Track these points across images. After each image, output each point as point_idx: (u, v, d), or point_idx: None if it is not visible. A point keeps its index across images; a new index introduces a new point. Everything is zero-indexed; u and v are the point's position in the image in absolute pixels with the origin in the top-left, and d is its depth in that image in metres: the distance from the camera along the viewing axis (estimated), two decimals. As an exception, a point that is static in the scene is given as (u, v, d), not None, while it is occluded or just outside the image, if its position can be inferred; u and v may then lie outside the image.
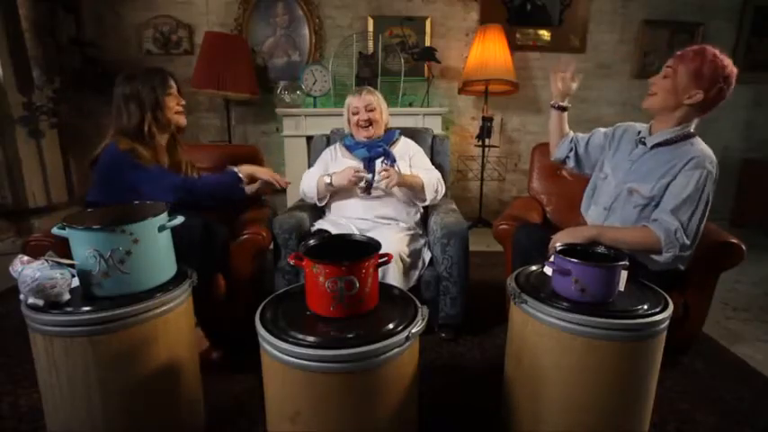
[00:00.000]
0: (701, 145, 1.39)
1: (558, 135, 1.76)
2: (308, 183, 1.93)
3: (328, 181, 1.84)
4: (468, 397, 1.48)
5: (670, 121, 1.40)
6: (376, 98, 1.95)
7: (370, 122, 1.93)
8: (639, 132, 1.51)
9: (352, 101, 1.95)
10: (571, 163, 1.74)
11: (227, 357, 1.60)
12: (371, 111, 1.93)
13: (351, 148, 1.97)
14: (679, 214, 1.32)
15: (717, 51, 1.32)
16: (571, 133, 1.75)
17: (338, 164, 1.96)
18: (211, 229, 1.53)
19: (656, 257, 1.36)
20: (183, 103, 1.65)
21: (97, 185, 1.56)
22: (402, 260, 1.65)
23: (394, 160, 1.89)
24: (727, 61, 1.32)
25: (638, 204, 1.41)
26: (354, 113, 1.95)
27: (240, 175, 1.71)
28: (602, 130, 1.68)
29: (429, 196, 1.89)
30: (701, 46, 1.34)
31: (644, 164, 1.44)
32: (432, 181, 1.91)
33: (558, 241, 1.38)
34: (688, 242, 1.32)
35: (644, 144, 1.46)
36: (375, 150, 1.91)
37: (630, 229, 1.40)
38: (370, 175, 1.84)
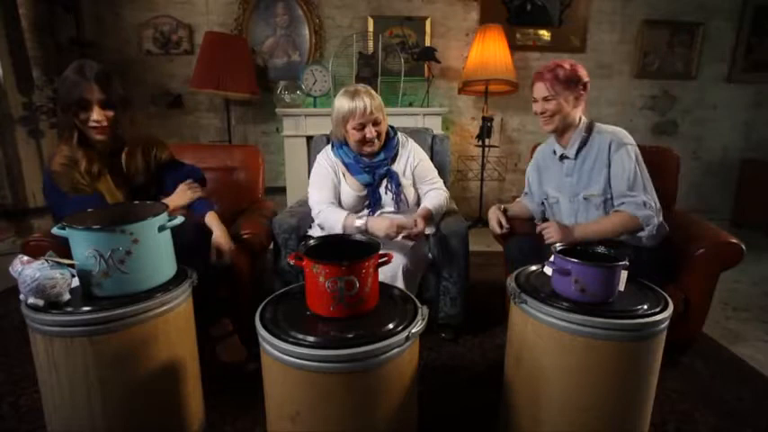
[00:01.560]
0: (604, 128, 1.57)
1: (526, 213, 1.86)
2: (331, 218, 1.65)
3: (361, 225, 1.60)
4: (468, 397, 1.48)
5: (571, 129, 1.58)
6: (377, 103, 1.64)
7: (376, 139, 1.67)
8: (554, 151, 1.66)
9: (354, 111, 1.60)
10: (539, 207, 1.82)
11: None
12: (377, 125, 1.65)
13: (352, 170, 1.72)
14: (635, 190, 1.45)
15: (565, 61, 1.54)
16: (522, 200, 1.88)
17: (343, 188, 1.74)
18: (210, 230, 1.53)
19: (641, 234, 1.47)
20: (98, 120, 1.35)
21: (49, 205, 1.45)
22: (408, 270, 1.58)
23: (398, 185, 1.71)
24: (572, 62, 1.54)
25: (599, 204, 1.54)
26: (358, 129, 1.63)
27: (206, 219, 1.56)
28: (528, 168, 1.85)
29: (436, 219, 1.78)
30: (546, 65, 1.55)
31: (579, 172, 1.58)
32: (440, 203, 1.76)
33: (551, 238, 1.47)
34: (658, 206, 1.47)
35: (567, 158, 1.60)
36: (378, 173, 1.70)
37: (606, 219, 1.50)
38: (414, 230, 1.60)
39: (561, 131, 1.60)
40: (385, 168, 1.71)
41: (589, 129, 1.57)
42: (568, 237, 1.46)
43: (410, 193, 1.76)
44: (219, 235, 1.51)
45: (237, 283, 1.67)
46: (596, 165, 1.53)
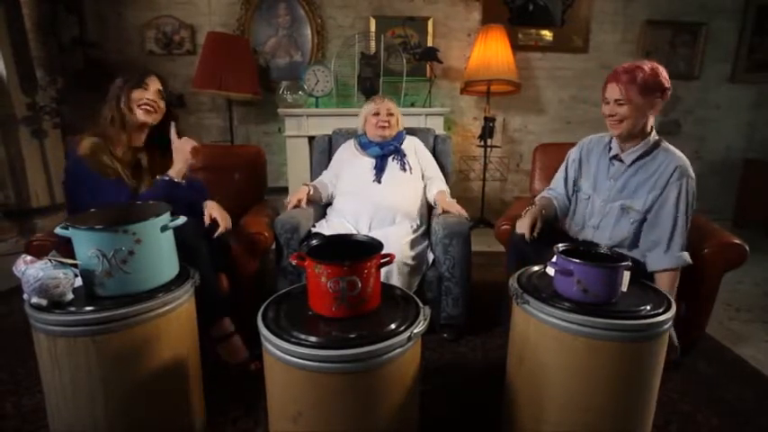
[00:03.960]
0: (673, 150, 1.47)
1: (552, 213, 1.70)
2: (318, 179, 2.15)
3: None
4: (470, 397, 1.48)
5: (638, 137, 1.48)
6: (394, 105, 2.13)
7: (388, 123, 2.07)
8: (610, 149, 1.56)
9: (373, 106, 2.10)
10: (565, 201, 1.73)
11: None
12: (390, 115, 2.09)
13: (364, 147, 2.10)
14: (675, 236, 1.41)
15: (646, 63, 1.43)
16: (553, 198, 1.72)
17: (352, 163, 2.08)
18: (210, 230, 1.54)
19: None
20: (151, 99, 1.53)
21: (69, 198, 1.54)
22: (405, 264, 1.66)
23: (404, 155, 2.06)
24: (654, 65, 1.43)
25: (635, 220, 1.47)
26: (375, 114, 2.09)
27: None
28: (571, 157, 1.72)
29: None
30: (629, 65, 1.43)
31: (628, 181, 1.50)
32: (447, 191, 2.07)
33: None
34: (684, 253, 1.42)
35: (620, 161, 1.52)
36: (387, 148, 2.05)
37: (668, 277, 1.40)
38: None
39: (627, 137, 1.49)
40: (393, 146, 2.08)
41: (656, 144, 1.48)
42: None
43: (415, 164, 2.08)
44: (213, 206, 1.59)
45: (240, 282, 1.67)
46: (650, 181, 1.45)
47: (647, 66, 1.40)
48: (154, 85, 1.56)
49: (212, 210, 1.57)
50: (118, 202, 1.43)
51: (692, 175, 1.43)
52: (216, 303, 1.48)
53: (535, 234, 1.51)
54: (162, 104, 1.58)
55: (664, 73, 1.42)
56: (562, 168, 1.74)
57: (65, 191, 1.57)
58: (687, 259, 1.41)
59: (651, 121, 1.48)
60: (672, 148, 1.48)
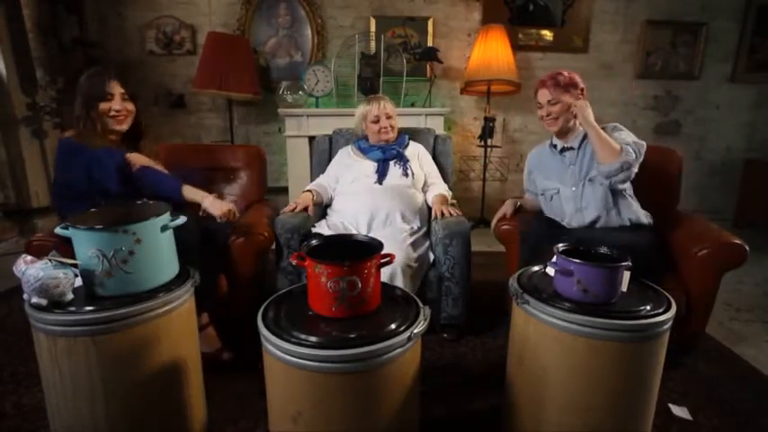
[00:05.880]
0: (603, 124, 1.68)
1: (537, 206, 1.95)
2: (316, 181, 2.12)
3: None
4: (470, 397, 1.48)
5: (573, 130, 1.74)
6: (391, 106, 2.08)
7: (390, 128, 2.06)
8: (555, 147, 1.79)
9: (371, 109, 2.05)
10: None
11: (237, 359, 1.62)
12: (390, 118, 2.06)
13: (365, 151, 2.09)
14: (629, 144, 1.57)
15: (564, 70, 1.71)
16: (527, 195, 2.00)
17: (352, 167, 2.05)
18: (210, 230, 1.54)
19: (604, 167, 1.57)
20: (117, 109, 1.57)
21: (57, 181, 1.59)
22: (409, 266, 1.64)
23: (407, 161, 2.04)
24: (564, 70, 1.72)
25: (603, 182, 1.62)
26: (375, 121, 2.05)
27: (183, 193, 1.60)
28: (525, 174, 1.99)
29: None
30: (552, 72, 1.71)
31: (583, 159, 1.70)
32: (448, 194, 2.06)
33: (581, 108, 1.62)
34: (634, 158, 1.55)
35: (571, 149, 1.74)
36: (390, 152, 2.04)
37: (610, 138, 1.58)
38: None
39: (564, 132, 1.74)
40: (395, 150, 2.05)
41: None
42: (585, 115, 1.60)
43: (417, 170, 2.05)
44: (206, 196, 1.58)
45: (239, 282, 1.68)
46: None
47: (564, 71, 1.70)
48: (116, 90, 1.57)
49: (212, 207, 1.57)
50: (112, 169, 1.50)
51: (623, 128, 1.68)
52: (204, 299, 1.48)
53: (505, 223, 1.85)
54: (129, 106, 1.62)
55: (578, 76, 1.71)
56: (525, 184, 2.00)
57: (54, 179, 1.61)
58: (633, 157, 1.54)
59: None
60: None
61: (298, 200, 1.95)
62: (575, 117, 1.67)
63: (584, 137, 1.68)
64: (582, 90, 1.70)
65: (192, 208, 1.58)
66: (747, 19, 3.70)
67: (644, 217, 1.65)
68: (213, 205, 1.57)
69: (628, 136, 1.62)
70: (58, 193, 1.61)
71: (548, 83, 1.69)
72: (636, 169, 1.57)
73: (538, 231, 1.71)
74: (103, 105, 1.55)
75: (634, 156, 1.54)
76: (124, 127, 1.61)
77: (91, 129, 1.56)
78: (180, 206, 1.51)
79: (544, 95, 1.71)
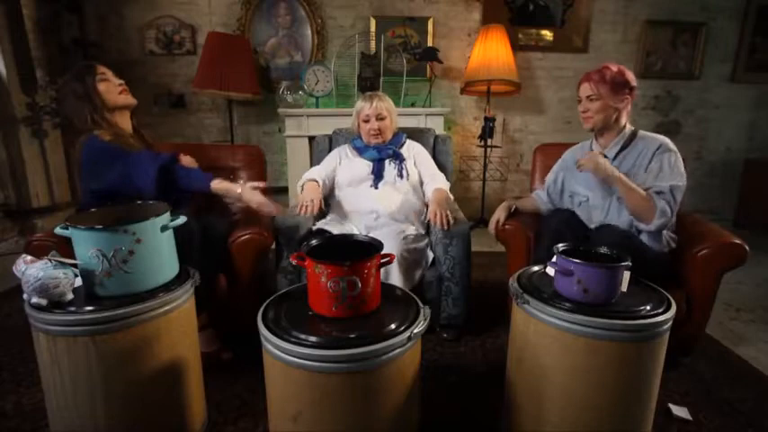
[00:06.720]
0: (651, 135, 1.59)
1: (535, 208, 1.89)
2: (305, 175, 2.01)
3: (301, 184, 1.96)
4: (470, 397, 1.48)
5: (613, 131, 1.61)
6: (386, 105, 2.00)
7: (380, 131, 1.99)
8: (591, 149, 1.67)
9: (364, 107, 1.99)
10: (548, 206, 1.86)
11: (237, 359, 1.63)
12: (382, 120, 1.99)
13: (360, 151, 2.04)
14: (665, 193, 1.46)
15: (614, 64, 1.57)
16: (536, 193, 1.92)
17: (349, 165, 2.02)
18: (210, 230, 1.54)
19: (643, 228, 1.50)
20: (121, 82, 1.61)
21: (86, 183, 1.52)
22: (404, 257, 1.65)
23: (403, 160, 1.99)
24: (622, 66, 1.57)
25: None
26: (365, 121, 2.00)
27: (212, 185, 1.54)
28: (555, 167, 1.86)
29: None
30: (599, 66, 1.57)
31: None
32: (446, 187, 1.98)
33: (584, 166, 1.54)
34: (674, 218, 1.50)
35: (605, 157, 1.59)
36: (385, 152, 1.99)
37: (639, 191, 1.47)
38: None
39: (600, 131, 1.63)
40: (391, 150, 2.00)
41: (633, 135, 1.60)
42: (600, 170, 1.50)
43: (412, 170, 2.00)
44: (241, 185, 1.55)
45: (239, 282, 1.68)
46: (635, 166, 1.54)
47: (614, 66, 1.55)
48: (106, 70, 1.59)
49: (251, 196, 1.54)
50: (152, 172, 1.43)
51: (675, 149, 1.53)
52: (204, 299, 1.48)
53: (502, 226, 1.77)
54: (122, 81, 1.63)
55: (630, 73, 1.56)
56: (547, 179, 1.88)
57: (82, 179, 1.53)
58: (667, 220, 1.45)
59: (625, 117, 1.61)
60: (649, 133, 1.60)
61: (304, 194, 1.84)
62: (615, 116, 1.56)
63: (622, 147, 1.59)
64: (632, 89, 1.56)
65: (192, 208, 1.59)
66: (747, 19, 3.70)
67: (672, 241, 1.56)
68: (253, 195, 1.54)
69: (670, 174, 1.47)
70: (88, 200, 1.51)
71: (592, 76, 1.55)
72: (674, 219, 1.49)
73: (556, 230, 1.58)
74: (103, 86, 1.54)
75: (670, 213, 1.44)
76: (131, 99, 1.62)
77: (113, 127, 1.56)
78: (180, 206, 1.51)
79: (585, 90, 1.58)
